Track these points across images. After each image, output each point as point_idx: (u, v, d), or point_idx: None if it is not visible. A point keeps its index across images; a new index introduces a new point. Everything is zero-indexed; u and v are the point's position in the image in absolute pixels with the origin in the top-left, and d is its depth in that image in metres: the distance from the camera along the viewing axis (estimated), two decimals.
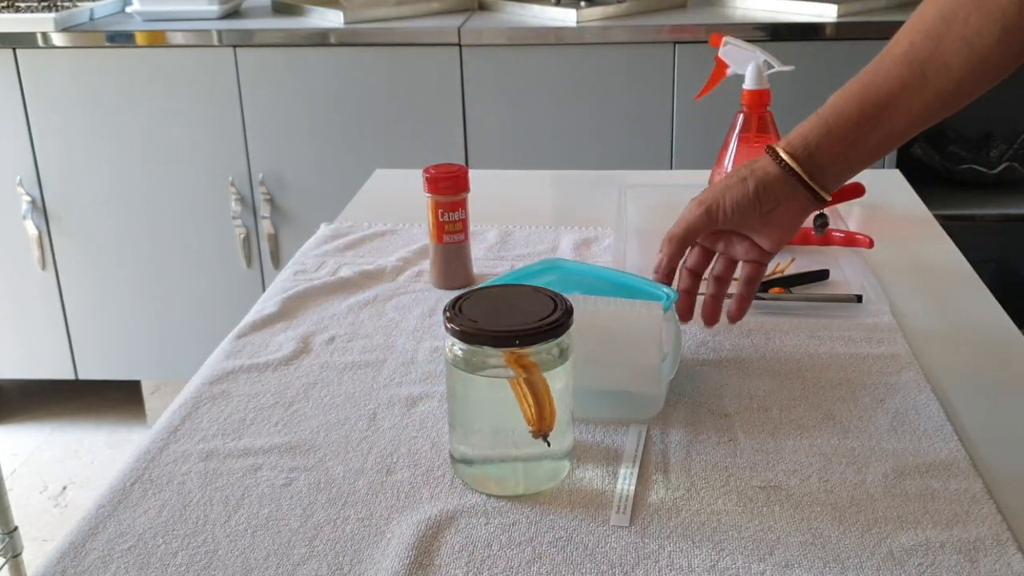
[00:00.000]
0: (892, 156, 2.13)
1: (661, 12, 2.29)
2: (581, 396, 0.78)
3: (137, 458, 0.80)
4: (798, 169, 0.82)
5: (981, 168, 2.31)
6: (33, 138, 2.30)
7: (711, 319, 0.91)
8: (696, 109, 2.13)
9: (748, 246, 0.88)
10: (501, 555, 0.68)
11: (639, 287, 0.87)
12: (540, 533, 0.70)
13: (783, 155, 0.83)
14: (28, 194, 2.33)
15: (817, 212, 0.89)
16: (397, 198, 1.42)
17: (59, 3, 2.37)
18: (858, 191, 1.23)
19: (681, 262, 0.90)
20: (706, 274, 0.92)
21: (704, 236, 0.89)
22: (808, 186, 0.83)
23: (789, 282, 1.08)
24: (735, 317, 0.90)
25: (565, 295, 0.75)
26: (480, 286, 0.90)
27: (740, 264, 0.90)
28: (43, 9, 2.31)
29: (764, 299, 1.04)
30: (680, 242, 0.87)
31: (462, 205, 1.09)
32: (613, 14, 2.23)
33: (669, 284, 0.89)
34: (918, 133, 0.83)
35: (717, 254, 0.91)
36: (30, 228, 2.35)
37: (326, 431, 0.83)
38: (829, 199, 0.85)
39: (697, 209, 0.86)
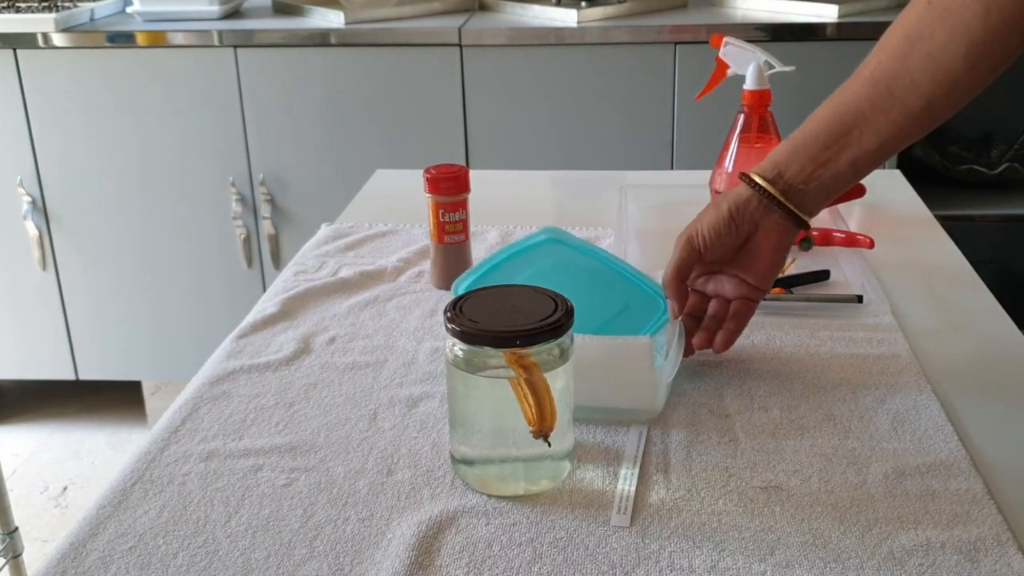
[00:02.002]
0: (893, 157, 2.13)
1: (661, 12, 2.29)
2: (577, 408, 0.79)
3: (138, 459, 0.80)
4: (769, 188, 0.83)
5: (981, 168, 2.31)
6: (33, 138, 2.30)
7: (698, 347, 0.90)
8: (696, 109, 2.13)
9: (736, 283, 0.88)
10: (502, 555, 0.68)
11: (633, 278, 0.89)
12: (541, 534, 0.70)
13: (753, 176, 0.84)
14: (28, 194, 2.33)
15: (802, 238, 0.89)
16: (398, 198, 1.42)
17: (59, 3, 2.37)
18: (859, 191, 1.23)
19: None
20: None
21: (694, 279, 0.89)
22: (781, 204, 0.83)
23: (790, 282, 1.08)
24: (719, 348, 0.89)
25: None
26: (478, 269, 0.91)
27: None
28: (43, 9, 2.31)
29: (765, 299, 1.04)
30: (675, 282, 0.87)
31: (463, 205, 1.09)
32: (613, 14, 2.23)
33: (695, 329, 0.89)
34: (897, 151, 0.83)
35: (712, 298, 0.90)
36: (30, 228, 2.35)
37: (327, 431, 0.83)
38: (808, 221, 0.84)
39: (679, 245, 0.86)
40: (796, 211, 0.83)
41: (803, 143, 0.82)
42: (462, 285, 0.90)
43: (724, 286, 0.89)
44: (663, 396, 0.84)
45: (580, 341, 0.79)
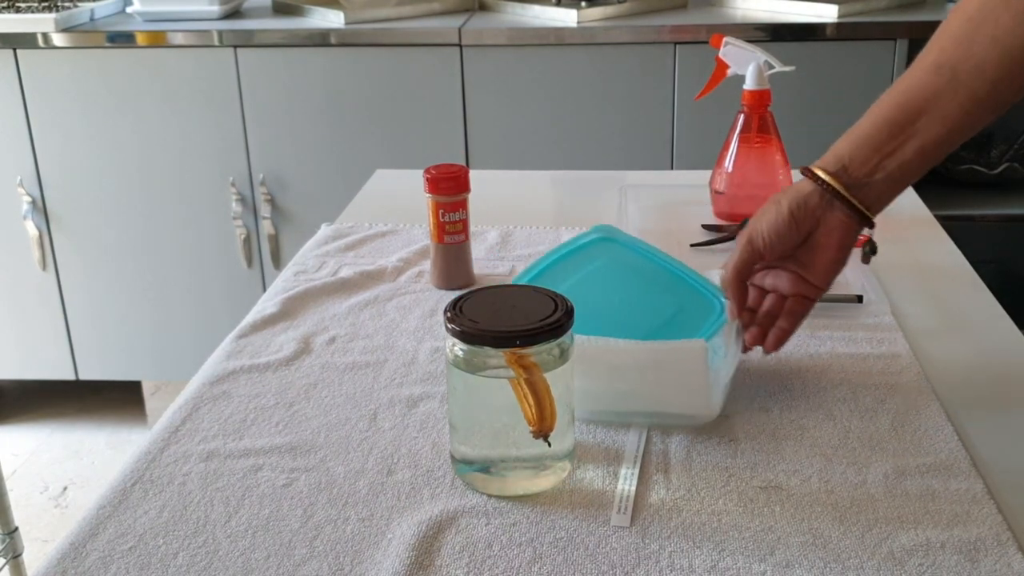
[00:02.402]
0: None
1: (661, 12, 2.29)
2: (631, 413, 0.80)
3: (138, 459, 0.80)
4: (831, 181, 0.80)
5: (981, 168, 2.31)
6: (33, 138, 2.30)
7: (749, 344, 0.88)
8: (696, 109, 2.13)
9: (795, 279, 0.85)
10: (502, 556, 0.68)
11: (689, 279, 0.88)
12: (541, 534, 0.70)
13: (815, 170, 0.81)
14: (28, 194, 2.33)
15: (866, 240, 0.84)
16: (398, 198, 1.42)
17: (59, 3, 2.37)
18: None
19: None
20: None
21: (753, 273, 0.87)
22: (845, 200, 0.80)
23: None
24: (770, 348, 0.87)
25: (610, 339, 0.77)
26: (531, 270, 0.90)
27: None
28: (43, 9, 2.31)
29: None
30: (735, 281, 0.85)
31: (463, 205, 1.09)
32: (613, 14, 2.23)
33: (751, 324, 0.87)
34: (964, 140, 0.79)
35: (769, 292, 0.88)
36: (30, 228, 2.35)
37: (327, 431, 0.83)
38: (872, 218, 0.81)
39: (741, 242, 0.84)
40: (860, 207, 0.80)
41: (867, 134, 0.80)
42: None
43: (782, 281, 0.86)
44: (720, 399, 0.83)
45: (634, 346, 0.78)
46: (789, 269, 0.85)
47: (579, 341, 0.79)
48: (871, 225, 0.82)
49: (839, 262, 0.83)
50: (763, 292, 0.88)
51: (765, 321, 0.87)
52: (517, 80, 2.19)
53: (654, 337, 0.82)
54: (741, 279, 0.85)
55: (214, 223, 2.34)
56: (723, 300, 0.86)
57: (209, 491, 0.76)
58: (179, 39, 2.21)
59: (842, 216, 0.81)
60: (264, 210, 2.31)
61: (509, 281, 1.10)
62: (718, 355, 0.83)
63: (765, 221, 0.83)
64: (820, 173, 0.81)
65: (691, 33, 2.13)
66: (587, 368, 0.79)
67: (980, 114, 0.78)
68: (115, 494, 0.76)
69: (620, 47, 2.16)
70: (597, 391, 0.82)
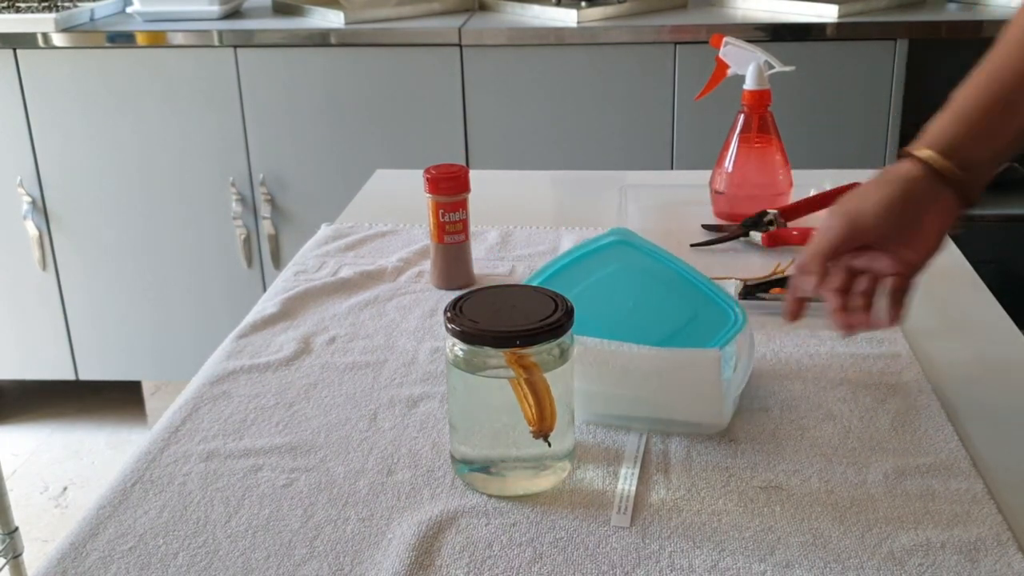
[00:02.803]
0: (892, 157, 2.13)
1: (661, 12, 2.29)
2: (640, 419, 0.80)
3: (138, 459, 0.80)
4: (946, 167, 0.78)
5: None
6: (33, 138, 2.30)
7: (857, 328, 0.83)
8: (696, 109, 2.13)
9: (893, 260, 0.80)
10: (502, 555, 0.68)
11: (703, 287, 0.87)
12: (541, 534, 0.70)
13: (928, 154, 0.78)
14: (28, 194, 2.33)
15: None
16: (398, 198, 1.42)
17: (59, 3, 2.37)
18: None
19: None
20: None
21: (846, 256, 0.82)
22: (955, 183, 0.78)
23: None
24: (892, 323, 0.81)
25: (626, 343, 0.77)
26: (546, 270, 0.89)
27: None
28: (43, 9, 2.31)
29: (764, 299, 1.04)
30: (823, 262, 0.81)
31: (463, 205, 1.09)
32: (613, 14, 2.23)
33: (839, 307, 0.83)
34: None
35: (862, 274, 0.83)
36: (30, 228, 2.35)
37: (327, 431, 0.83)
38: (977, 199, 0.79)
39: (838, 221, 0.80)
40: (969, 189, 0.78)
41: (971, 114, 0.77)
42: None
43: (880, 263, 0.81)
44: (731, 409, 0.82)
45: (647, 352, 0.78)
46: (887, 249, 0.81)
47: (591, 344, 0.79)
48: (975, 207, 0.80)
49: (939, 245, 0.81)
50: (851, 275, 0.83)
51: (861, 301, 0.82)
52: (517, 80, 2.19)
53: (667, 344, 0.81)
54: (832, 257, 0.81)
55: (214, 223, 2.34)
56: (737, 310, 0.85)
57: (209, 491, 0.76)
58: (179, 39, 2.21)
59: (949, 201, 0.79)
60: (264, 210, 2.31)
61: (509, 281, 1.10)
62: (728, 365, 0.82)
63: (872, 201, 0.79)
64: (931, 156, 0.78)
65: (691, 33, 2.13)
66: (598, 372, 0.79)
67: None
68: (115, 494, 0.76)
69: (620, 47, 2.16)
70: (607, 395, 0.82)
